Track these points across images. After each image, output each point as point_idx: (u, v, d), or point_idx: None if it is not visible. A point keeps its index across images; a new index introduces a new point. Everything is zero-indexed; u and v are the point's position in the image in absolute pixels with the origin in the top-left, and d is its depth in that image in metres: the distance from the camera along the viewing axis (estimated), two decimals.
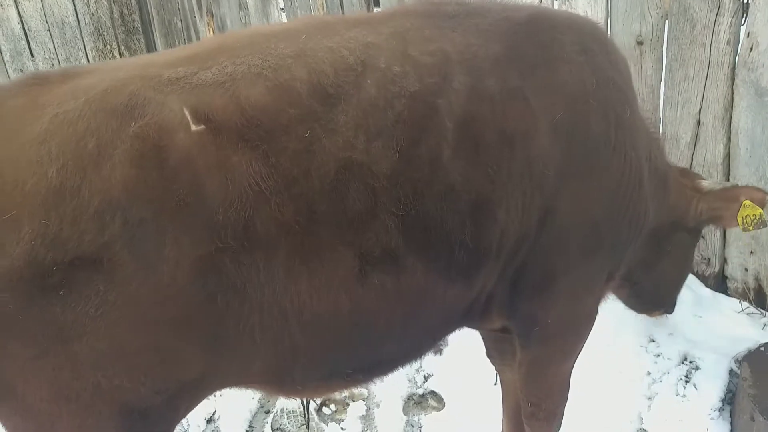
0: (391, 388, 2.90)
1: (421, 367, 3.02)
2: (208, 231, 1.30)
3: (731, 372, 2.62)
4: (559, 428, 2.19)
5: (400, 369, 1.88)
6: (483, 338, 2.42)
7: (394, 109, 1.46)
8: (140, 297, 1.27)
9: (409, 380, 2.95)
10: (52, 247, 1.21)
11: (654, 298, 2.47)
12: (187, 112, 1.32)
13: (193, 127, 1.31)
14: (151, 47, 7.78)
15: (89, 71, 1.41)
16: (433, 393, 2.89)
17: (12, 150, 1.24)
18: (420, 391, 2.91)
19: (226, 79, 1.38)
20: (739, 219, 2.17)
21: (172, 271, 1.28)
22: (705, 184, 2.28)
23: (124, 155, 1.26)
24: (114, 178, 1.25)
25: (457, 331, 2.02)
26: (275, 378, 1.59)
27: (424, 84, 1.50)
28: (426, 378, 2.96)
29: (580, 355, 2.11)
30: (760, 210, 2.15)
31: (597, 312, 2.03)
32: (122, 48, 7.67)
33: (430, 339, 1.85)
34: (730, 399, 2.56)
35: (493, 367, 2.82)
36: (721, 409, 2.52)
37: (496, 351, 2.42)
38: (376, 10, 4.77)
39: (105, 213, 1.23)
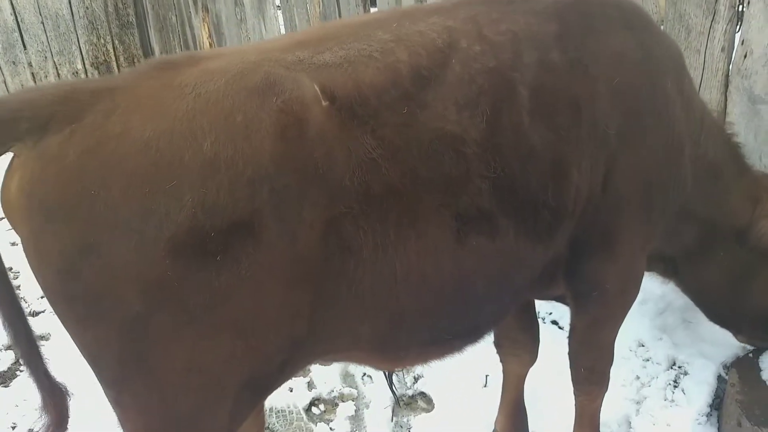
0: (380, 388, 2.90)
1: (410, 368, 3.02)
2: (336, 195, 1.44)
3: (719, 378, 2.64)
4: (607, 389, 2.25)
5: (488, 335, 1.98)
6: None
7: (477, 83, 1.62)
8: (282, 257, 1.39)
9: (399, 381, 2.95)
10: (212, 213, 1.31)
11: (707, 306, 2.46)
12: (317, 88, 1.47)
13: (324, 103, 1.46)
14: (145, 42, 7.77)
15: (214, 55, 1.53)
16: (422, 394, 2.89)
17: (164, 126, 1.33)
18: (410, 392, 2.91)
19: (342, 61, 1.54)
20: None
21: (307, 233, 1.41)
22: None
23: (270, 128, 1.38)
24: (263, 148, 1.37)
25: (532, 296, 2.18)
26: (380, 342, 1.68)
27: (499, 60, 1.68)
28: (416, 379, 2.96)
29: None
30: None
31: (643, 274, 2.13)
32: (116, 42, 7.65)
33: (517, 302, 1.99)
34: (717, 404, 2.57)
35: (484, 370, 2.86)
36: (708, 415, 2.53)
37: (507, 339, 2.45)
38: (372, 9, 4.76)
39: (256, 181, 1.35)
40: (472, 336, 1.87)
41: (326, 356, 1.70)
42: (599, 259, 1.93)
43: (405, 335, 1.67)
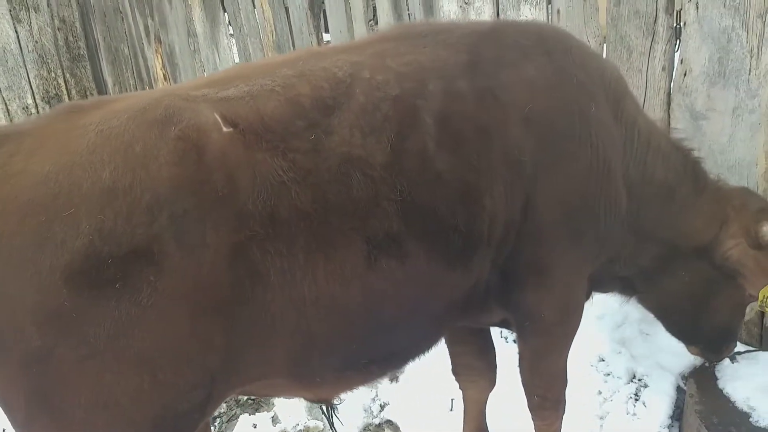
0: (347, 419, 2.87)
1: (377, 395, 3.00)
2: (240, 219, 1.45)
3: (678, 388, 2.69)
4: (564, 412, 2.26)
5: (411, 362, 1.98)
6: (450, 354, 2.47)
7: (381, 111, 1.68)
8: (186, 284, 1.40)
9: (365, 410, 2.93)
10: (108, 240, 1.32)
11: (666, 321, 2.44)
12: (217, 117, 1.51)
13: (224, 129, 1.50)
14: (97, 74, 7.64)
15: (121, 98, 1.60)
16: (389, 422, 2.88)
17: (64, 161, 1.37)
18: (376, 421, 2.88)
19: (244, 94, 1.60)
20: (761, 295, 2.09)
21: (211, 258, 1.42)
22: (765, 232, 2.10)
23: (168, 155, 1.41)
24: (161, 175, 1.39)
25: (461, 323, 2.14)
26: (295, 369, 1.67)
27: (403, 88, 1.73)
28: (382, 407, 2.94)
29: None
30: None
31: (584, 300, 2.15)
32: (67, 75, 7.51)
33: (436, 328, 1.96)
34: (678, 415, 2.62)
35: (449, 394, 2.86)
36: (670, 426, 2.58)
37: (463, 367, 2.48)
38: (326, 36, 4.80)
39: (154, 207, 1.37)
40: (390, 362, 1.88)
41: (245, 387, 1.69)
42: (529, 288, 1.94)
43: (318, 361, 1.67)
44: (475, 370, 2.44)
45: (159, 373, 1.40)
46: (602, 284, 2.34)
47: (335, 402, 1.95)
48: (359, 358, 1.75)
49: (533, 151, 1.82)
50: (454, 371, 2.49)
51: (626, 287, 2.38)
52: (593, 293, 2.38)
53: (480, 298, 1.93)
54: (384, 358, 1.83)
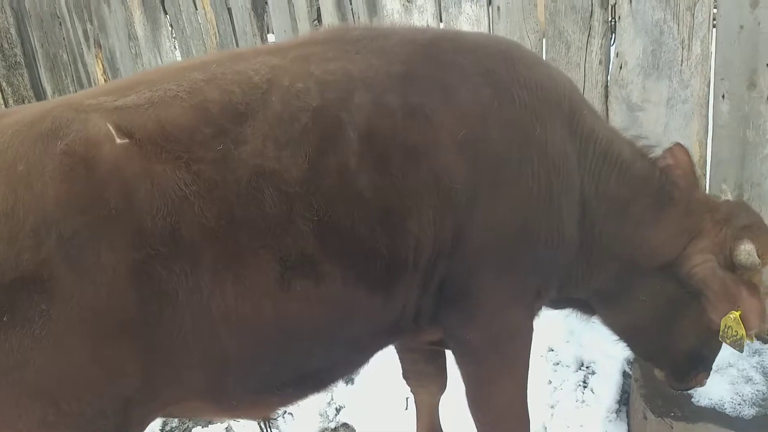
0: (302, 425, 2.85)
1: (332, 399, 2.98)
2: (139, 237, 1.36)
3: (625, 374, 2.75)
4: None
5: (335, 384, 1.90)
6: (400, 359, 2.43)
7: (300, 122, 1.56)
8: (83, 309, 1.31)
9: (321, 414, 2.91)
10: None
11: (629, 343, 2.24)
12: (111, 127, 1.41)
13: (118, 140, 1.40)
14: (36, 82, 7.39)
15: (14, 111, 1.50)
16: (345, 425, 2.86)
17: None
18: (332, 425, 2.87)
19: (144, 102, 1.48)
20: (722, 324, 1.90)
21: (109, 279, 1.34)
22: (741, 251, 1.88)
23: (54, 172, 1.32)
24: (46, 194, 1.30)
25: (392, 343, 2.05)
26: (211, 390, 1.60)
27: (325, 99, 1.61)
28: (338, 410, 2.93)
29: None
30: (743, 332, 1.86)
31: (530, 329, 2.00)
32: (3, 84, 7.24)
33: (359, 351, 1.87)
34: (626, 400, 2.68)
35: (404, 393, 2.86)
36: (618, 411, 2.64)
37: (413, 373, 2.44)
38: (270, 36, 4.75)
39: (40, 229, 1.28)
40: (309, 384, 1.80)
41: (166, 410, 1.62)
42: (459, 315, 1.84)
43: (233, 382, 1.60)
44: (425, 375, 2.39)
45: (62, 403, 1.33)
46: (557, 303, 2.23)
47: (272, 417, 1.88)
48: (276, 381, 1.68)
49: (467, 177, 1.71)
50: (405, 376, 2.46)
51: (584, 307, 2.24)
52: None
53: (411, 323, 1.83)
54: (302, 381, 1.76)
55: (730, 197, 2.15)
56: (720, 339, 1.93)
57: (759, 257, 1.88)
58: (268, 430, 2.47)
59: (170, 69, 1.68)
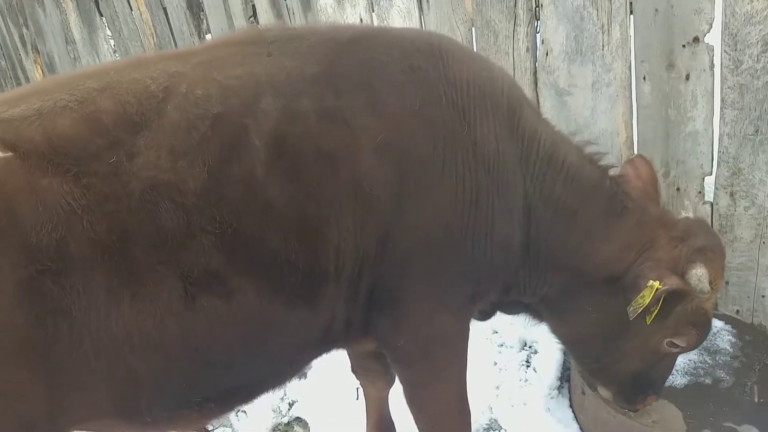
0: (255, 422, 2.89)
1: (285, 394, 3.03)
2: (25, 253, 1.33)
3: (565, 352, 2.85)
4: None
5: (263, 396, 1.86)
6: (348, 354, 2.44)
7: (198, 130, 1.50)
8: None
9: (274, 410, 2.95)
10: None
11: (576, 357, 2.24)
12: None
13: (2, 154, 1.36)
14: None
15: None
16: (298, 419, 2.91)
17: None
18: (285, 420, 2.91)
19: (32, 113, 1.44)
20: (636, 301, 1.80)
21: None
22: (692, 275, 1.80)
23: None
24: None
25: (326, 353, 2.00)
26: (122, 409, 1.57)
27: (227, 105, 1.54)
28: (291, 405, 2.97)
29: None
30: (645, 304, 1.76)
31: (463, 332, 1.96)
32: None
33: (286, 364, 1.84)
34: (567, 376, 2.79)
35: (355, 384, 2.91)
36: (560, 387, 2.74)
37: (360, 368, 2.46)
38: (209, 36, 4.70)
39: None
40: (232, 399, 1.77)
41: (78, 426, 1.60)
42: (388, 321, 1.80)
43: (145, 400, 1.57)
44: (372, 371, 2.39)
45: None
46: (504, 307, 2.22)
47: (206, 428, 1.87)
48: (193, 397, 1.64)
49: (390, 183, 1.65)
50: (353, 370, 2.48)
51: (532, 312, 2.21)
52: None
53: (343, 334, 1.80)
54: (225, 396, 1.72)
55: (690, 214, 2.09)
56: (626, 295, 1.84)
57: (709, 284, 1.80)
58: None
59: (66, 77, 1.62)
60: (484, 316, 2.27)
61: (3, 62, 6.53)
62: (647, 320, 1.84)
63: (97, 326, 1.41)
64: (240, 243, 1.51)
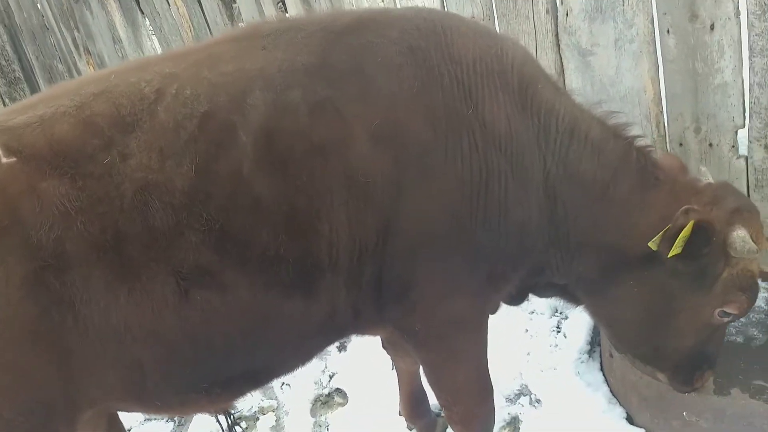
0: (298, 394, 3.03)
1: (326, 367, 3.15)
2: (28, 250, 1.45)
3: None
4: (488, 430, 2.12)
5: (275, 380, 1.95)
6: None
7: (186, 130, 1.55)
8: None
9: (315, 382, 3.08)
10: None
11: (622, 341, 2.13)
12: None
13: (4, 159, 1.48)
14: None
15: None
16: (338, 390, 3.03)
17: None
18: (326, 391, 3.04)
19: (35, 120, 1.55)
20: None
21: (3, 289, 1.44)
22: (735, 238, 1.74)
23: None
24: None
25: (338, 340, 2.07)
26: (132, 392, 1.67)
27: (214, 103, 1.57)
28: (331, 377, 3.09)
29: None
30: (681, 244, 1.69)
31: (480, 314, 1.96)
32: (6, 100, 7.48)
33: (291, 352, 1.87)
34: (598, 341, 2.78)
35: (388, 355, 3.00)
36: (590, 351, 2.73)
37: (389, 343, 2.51)
38: (241, 25, 4.81)
39: None
40: (238, 385, 1.82)
41: (96, 407, 1.71)
42: (402, 307, 1.80)
43: (152, 384, 1.65)
44: (400, 348, 2.39)
45: None
46: (539, 290, 2.18)
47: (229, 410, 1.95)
48: (199, 383, 1.71)
49: (387, 170, 1.63)
50: (383, 346, 2.53)
51: (567, 295, 2.15)
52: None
53: (351, 321, 1.83)
54: (229, 383, 1.77)
55: (710, 179, 1.98)
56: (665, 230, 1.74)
57: (754, 242, 1.75)
58: (231, 422, 2.57)
59: (74, 83, 1.73)
60: (516, 300, 2.25)
61: (60, 65, 6.90)
62: (672, 251, 1.73)
63: (99, 318, 1.52)
64: (228, 239, 1.55)
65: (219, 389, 1.77)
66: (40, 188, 1.47)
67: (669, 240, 1.72)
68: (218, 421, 2.64)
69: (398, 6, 3.48)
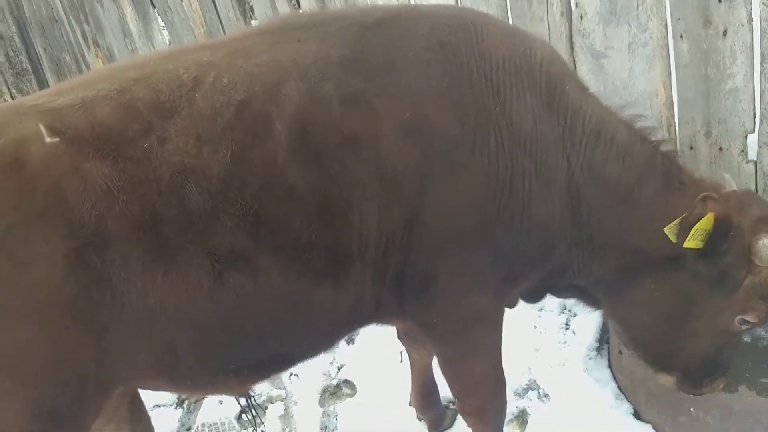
0: (307, 384, 3.06)
1: (334, 359, 3.18)
2: (71, 228, 1.47)
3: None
4: (499, 422, 2.17)
5: (299, 364, 1.97)
6: None
7: (223, 117, 1.58)
8: (23, 296, 1.46)
9: (324, 373, 3.11)
10: None
11: (636, 343, 2.11)
12: (42, 127, 1.51)
13: (48, 139, 1.50)
14: (43, 86, 7.63)
15: None
16: (346, 381, 3.06)
17: None
18: (334, 382, 3.07)
19: (78, 102, 1.58)
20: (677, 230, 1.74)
21: (45, 266, 1.46)
22: (761, 247, 1.74)
23: None
24: None
25: (359, 328, 2.11)
26: (164, 371, 1.71)
27: (250, 92, 1.61)
28: (339, 368, 3.13)
29: None
30: (700, 238, 1.70)
31: (497, 311, 2.01)
32: (14, 91, 7.50)
33: (320, 338, 1.92)
34: (607, 339, 2.82)
35: (399, 348, 3.03)
36: (599, 348, 2.77)
37: (404, 334, 2.53)
38: (254, 22, 4.85)
39: None
40: (267, 368, 1.86)
41: (126, 384, 1.74)
42: (422, 301, 1.83)
43: (184, 365, 1.68)
44: (417, 340, 2.42)
45: (17, 374, 1.49)
46: (558, 290, 2.20)
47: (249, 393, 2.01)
48: (229, 365, 1.74)
49: (416, 164, 1.66)
50: (398, 336, 2.55)
51: (587, 297, 2.17)
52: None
53: (372, 310, 1.85)
54: (258, 365, 1.81)
55: (734, 186, 2.00)
56: (682, 219, 1.75)
57: None
58: (251, 407, 2.60)
59: (108, 69, 1.77)
60: (533, 298, 2.28)
61: (68, 58, 6.92)
62: (688, 241, 1.74)
63: (136, 297, 1.54)
64: (262, 225, 1.59)
65: (247, 371, 1.81)
66: (84, 168, 1.50)
67: (686, 229, 1.73)
68: (238, 402, 2.65)
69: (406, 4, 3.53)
